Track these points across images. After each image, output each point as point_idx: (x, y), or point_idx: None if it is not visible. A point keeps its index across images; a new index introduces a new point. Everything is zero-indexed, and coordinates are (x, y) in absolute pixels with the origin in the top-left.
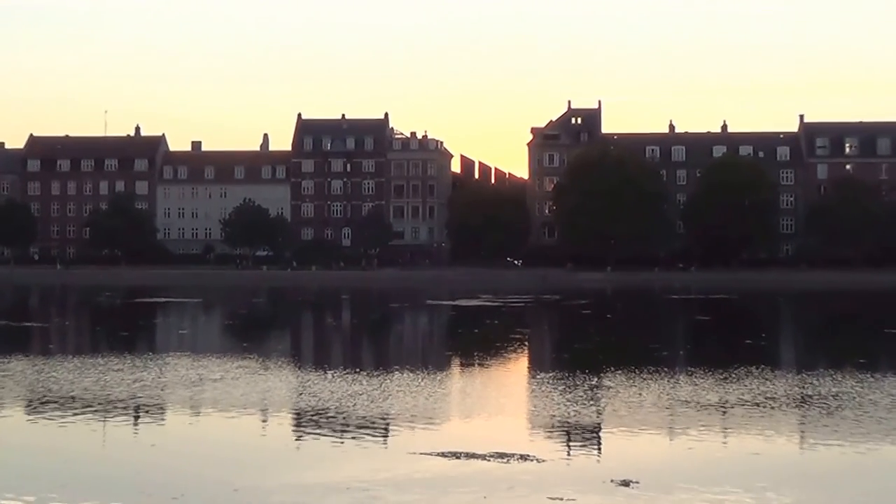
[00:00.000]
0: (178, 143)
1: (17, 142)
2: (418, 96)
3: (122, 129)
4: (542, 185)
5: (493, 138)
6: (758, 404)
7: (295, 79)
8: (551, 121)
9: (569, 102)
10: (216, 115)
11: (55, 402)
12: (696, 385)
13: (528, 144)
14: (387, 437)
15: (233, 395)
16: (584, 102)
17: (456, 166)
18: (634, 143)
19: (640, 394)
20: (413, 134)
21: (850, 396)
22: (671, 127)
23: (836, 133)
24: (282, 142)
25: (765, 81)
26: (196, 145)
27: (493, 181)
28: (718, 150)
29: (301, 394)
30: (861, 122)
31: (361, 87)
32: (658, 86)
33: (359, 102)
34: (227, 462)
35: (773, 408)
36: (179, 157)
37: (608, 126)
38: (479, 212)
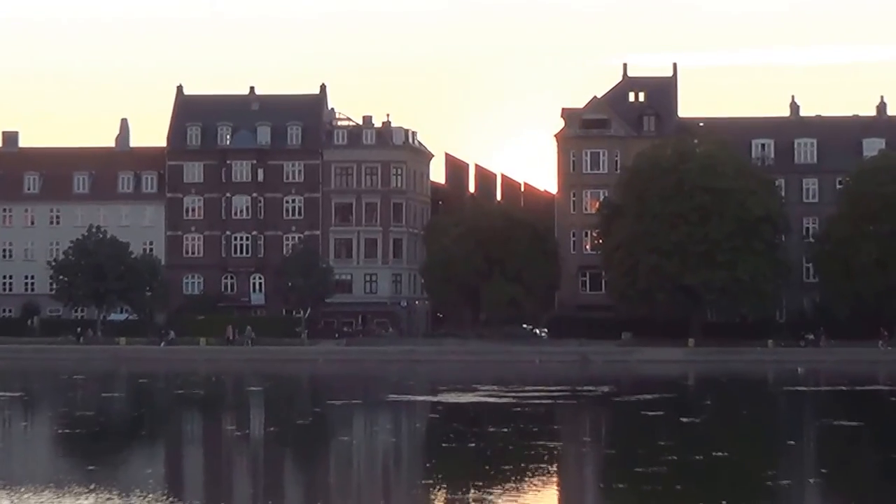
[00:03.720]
0: None
1: None
2: (374, 59)
3: None
4: (579, 202)
5: (498, 127)
6: None
7: (174, 32)
8: (595, 97)
9: (624, 67)
10: (43, 90)
11: None
12: None
13: (556, 136)
14: None
15: None
16: (649, 67)
17: (438, 173)
18: (733, 134)
19: None
20: (367, 119)
21: None
22: (794, 107)
23: None
24: (151, 133)
25: None
26: (10, 139)
27: (499, 197)
28: (872, 146)
29: None
30: None
31: (281, 43)
32: (768, 39)
33: (277, 69)
34: None
35: None
36: None
37: (688, 105)
38: (476, 248)
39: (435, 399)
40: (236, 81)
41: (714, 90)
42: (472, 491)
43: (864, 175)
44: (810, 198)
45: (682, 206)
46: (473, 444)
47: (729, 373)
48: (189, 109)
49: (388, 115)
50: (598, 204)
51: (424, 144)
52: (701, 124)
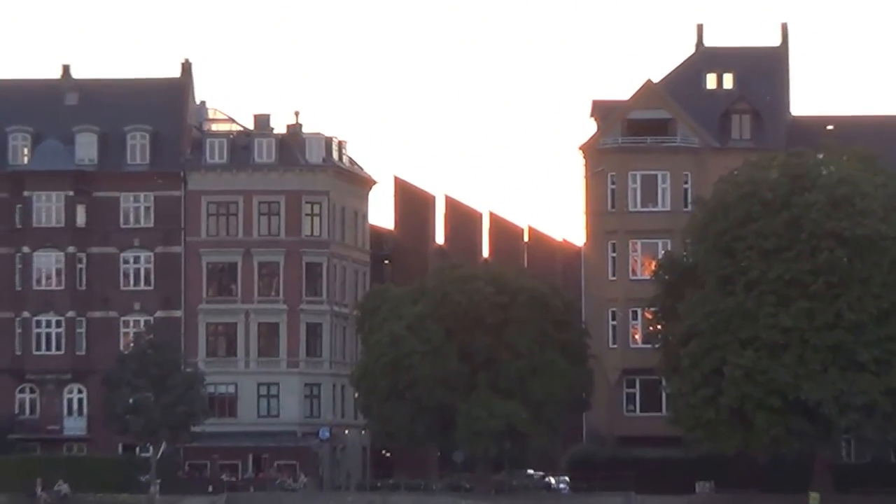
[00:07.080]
0: None
1: None
2: (271, 22)
3: None
4: (622, 260)
5: (484, 134)
6: None
7: None
8: (649, 82)
9: (698, 31)
10: None
11: None
12: None
13: (582, 148)
14: None
15: None
16: (741, 34)
17: (384, 212)
18: (883, 145)
19: None
20: (261, 120)
21: None
22: None
23: None
24: None
25: None
26: None
27: (486, 251)
28: None
29: None
30: None
31: None
32: None
33: (108, 37)
34: None
35: None
36: None
37: (807, 97)
38: (447, 338)
39: None
40: (41, 58)
41: (849, 73)
42: None
43: None
44: None
45: (797, 265)
46: None
47: None
48: None
49: (296, 115)
50: (654, 263)
51: (357, 163)
52: (829, 127)
